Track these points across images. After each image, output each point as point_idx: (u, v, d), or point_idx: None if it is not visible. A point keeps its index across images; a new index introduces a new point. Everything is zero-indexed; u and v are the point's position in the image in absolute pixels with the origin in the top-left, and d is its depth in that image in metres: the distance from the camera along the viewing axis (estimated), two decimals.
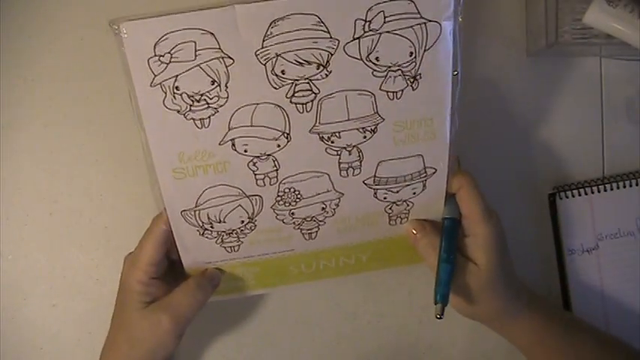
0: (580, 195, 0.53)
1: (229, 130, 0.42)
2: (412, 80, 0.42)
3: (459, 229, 0.46)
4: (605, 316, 0.53)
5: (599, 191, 0.53)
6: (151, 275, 0.45)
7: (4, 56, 0.51)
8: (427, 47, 0.41)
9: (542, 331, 0.47)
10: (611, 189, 0.53)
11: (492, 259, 0.45)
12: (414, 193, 0.46)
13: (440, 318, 0.43)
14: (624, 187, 0.53)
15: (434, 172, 0.45)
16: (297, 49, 0.40)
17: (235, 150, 0.43)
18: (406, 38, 0.41)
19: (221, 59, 0.40)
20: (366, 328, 0.55)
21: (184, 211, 0.44)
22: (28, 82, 0.52)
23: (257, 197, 0.44)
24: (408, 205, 0.47)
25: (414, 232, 0.48)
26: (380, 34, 0.40)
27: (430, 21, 0.41)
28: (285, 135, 0.42)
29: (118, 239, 0.52)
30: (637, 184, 0.53)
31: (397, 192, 0.46)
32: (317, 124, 0.42)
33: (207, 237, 0.46)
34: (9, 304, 0.53)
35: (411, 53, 0.41)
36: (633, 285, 0.53)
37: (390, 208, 0.47)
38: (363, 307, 0.54)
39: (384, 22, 0.40)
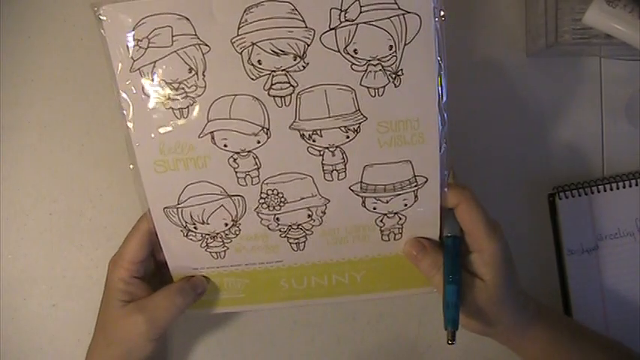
0: (580, 195, 0.53)
1: (208, 121, 0.42)
2: (394, 76, 0.41)
3: (461, 247, 0.45)
4: (604, 316, 0.53)
5: (598, 191, 0.53)
6: (133, 274, 0.45)
7: (4, 56, 0.51)
8: (407, 41, 0.40)
9: (551, 341, 0.46)
10: (611, 189, 0.53)
11: (500, 275, 0.43)
12: (406, 205, 0.44)
13: (451, 344, 0.41)
14: (624, 187, 0.53)
15: (425, 182, 0.43)
16: (273, 38, 0.40)
17: (215, 144, 0.42)
18: (384, 30, 0.40)
19: (197, 46, 0.40)
20: (366, 329, 0.55)
21: (167, 208, 0.44)
22: (28, 82, 0.52)
23: (239, 198, 0.44)
24: (400, 219, 0.45)
25: (414, 253, 0.45)
26: (357, 24, 0.40)
27: (408, 12, 0.39)
28: (265, 130, 0.42)
29: (118, 239, 0.52)
30: (637, 184, 0.53)
31: (387, 202, 0.44)
32: (297, 120, 0.42)
33: (191, 239, 0.45)
34: (9, 304, 0.53)
35: (391, 47, 0.40)
36: (633, 285, 0.53)
37: (382, 221, 0.45)
38: (363, 307, 0.54)
39: (360, 12, 0.39)
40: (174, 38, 0.40)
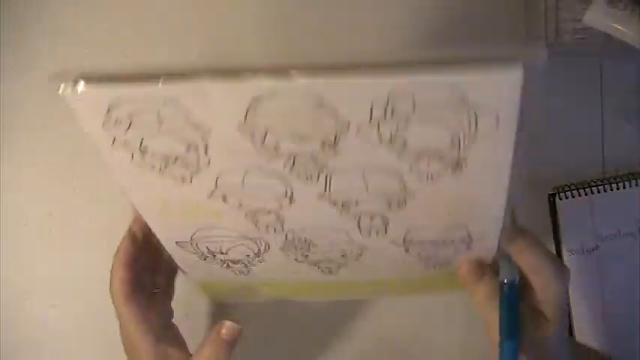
0: (580, 195, 0.53)
1: (217, 188, 0.34)
2: (454, 166, 0.32)
3: (519, 291, 0.40)
4: (604, 316, 0.53)
5: (599, 191, 0.53)
6: (131, 291, 0.42)
7: (4, 56, 0.51)
8: (476, 138, 0.31)
9: None
10: (611, 189, 0.53)
11: (563, 314, 0.41)
12: (456, 253, 0.40)
13: None
14: (624, 187, 0.53)
15: (481, 237, 0.38)
16: (292, 122, 0.30)
17: (227, 204, 0.36)
18: (446, 126, 0.30)
19: (194, 128, 0.31)
20: (366, 326, 0.55)
21: (179, 242, 0.40)
22: (28, 82, 0.52)
23: (261, 240, 0.39)
24: (448, 259, 0.41)
25: (471, 279, 0.42)
26: (408, 119, 0.30)
27: (482, 112, 0.29)
28: (289, 198, 0.35)
29: (118, 239, 0.52)
30: (637, 184, 0.53)
31: (434, 252, 0.40)
32: (327, 192, 0.34)
33: (209, 262, 0.42)
34: (9, 305, 0.53)
35: (453, 140, 0.31)
36: (633, 285, 0.53)
37: (427, 260, 0.41)
38: (363, 306, 0.54)
39: (414, 110, 0.29)
40: (161, 120, 0.31)
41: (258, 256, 0.41)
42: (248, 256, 0.41)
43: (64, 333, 0.53)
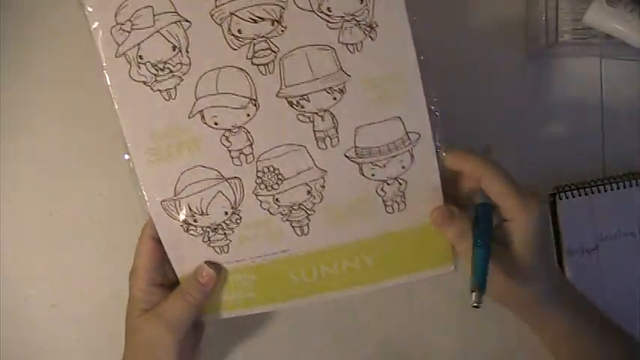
0: (580, 195, 0.53)
1: (196, 100, 0.43)
2: (369, 29, 0.42)
3: (493, 214, 0.44)
4: None
5: (599, 191, 0.53)
6: (150, 282, 0.45)
7: (4, 58, 0.51)
8: None
9: (575, 330, 0.45)
10: (611, 189, 0.53)
11: (527, 246, 0.42)
12: (404, 167, 0.45)
13: (477, 307, 0.39)
14: (624, 187, 0.53)
15: (418, 138, 0.44)
16: (249, 6, 0.42)
17: (205, 123, 0.43)
18: None
19: (179, 23, 0.42)
20: (366, 328, 0.55)
21: (164, 201, 0.44)
22: (29, 82, 0.52)
23: (236, 180, 0.44)
24: (400, 185, 0.45)
25: (442, 219, 0.44)
26: None
27: None
28: (253, 102, 0.43)
29: (118, 239, 0.52)
30: (637, 184, 0.53)
31: (384, 166, 0.44)
32: (282, 87, 0.43)
33: (192, 234, 0.45)
34: (9, 305, 0.53)
35: (362, 0, 0.42)
36: (633, 285, 0.53)
37: (382, 189, 0.45)
38: (363, 305, 0.54)
39: None
40: (155, 17, 0.41)
41: (235, 212, 0.45)
42: (226, 213, 0.45)
43: (64, 333, 0.53)
